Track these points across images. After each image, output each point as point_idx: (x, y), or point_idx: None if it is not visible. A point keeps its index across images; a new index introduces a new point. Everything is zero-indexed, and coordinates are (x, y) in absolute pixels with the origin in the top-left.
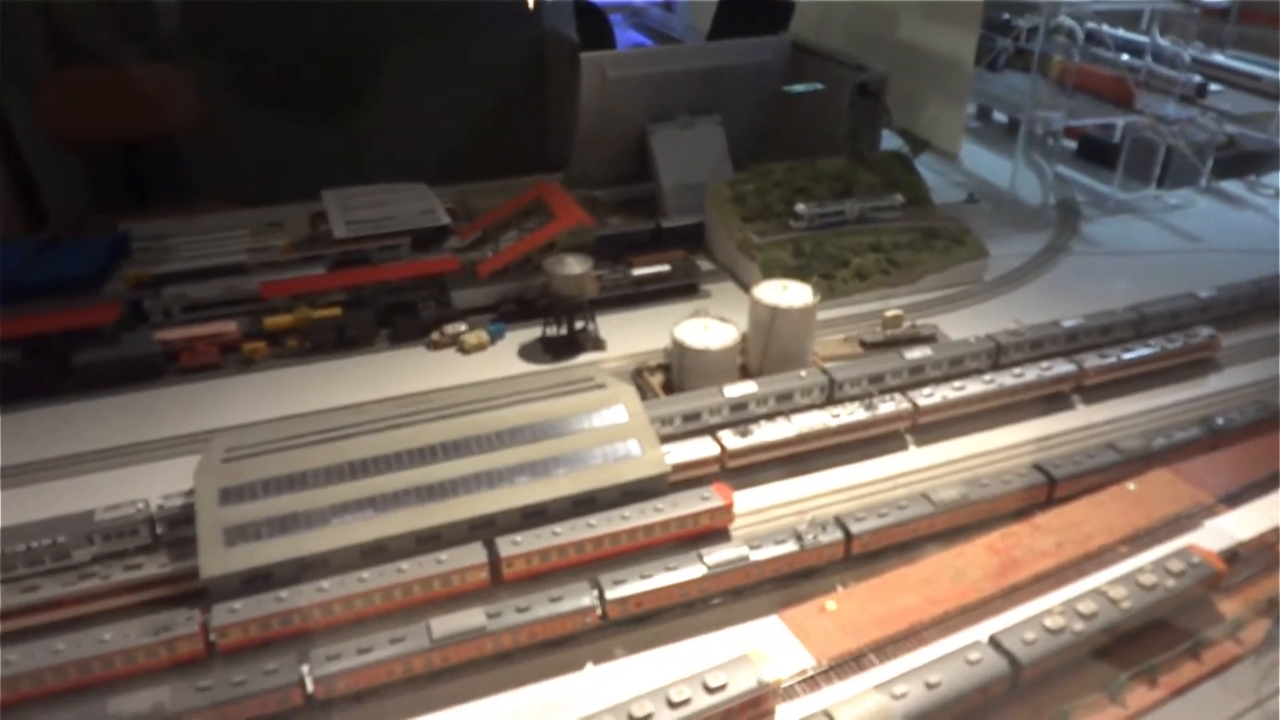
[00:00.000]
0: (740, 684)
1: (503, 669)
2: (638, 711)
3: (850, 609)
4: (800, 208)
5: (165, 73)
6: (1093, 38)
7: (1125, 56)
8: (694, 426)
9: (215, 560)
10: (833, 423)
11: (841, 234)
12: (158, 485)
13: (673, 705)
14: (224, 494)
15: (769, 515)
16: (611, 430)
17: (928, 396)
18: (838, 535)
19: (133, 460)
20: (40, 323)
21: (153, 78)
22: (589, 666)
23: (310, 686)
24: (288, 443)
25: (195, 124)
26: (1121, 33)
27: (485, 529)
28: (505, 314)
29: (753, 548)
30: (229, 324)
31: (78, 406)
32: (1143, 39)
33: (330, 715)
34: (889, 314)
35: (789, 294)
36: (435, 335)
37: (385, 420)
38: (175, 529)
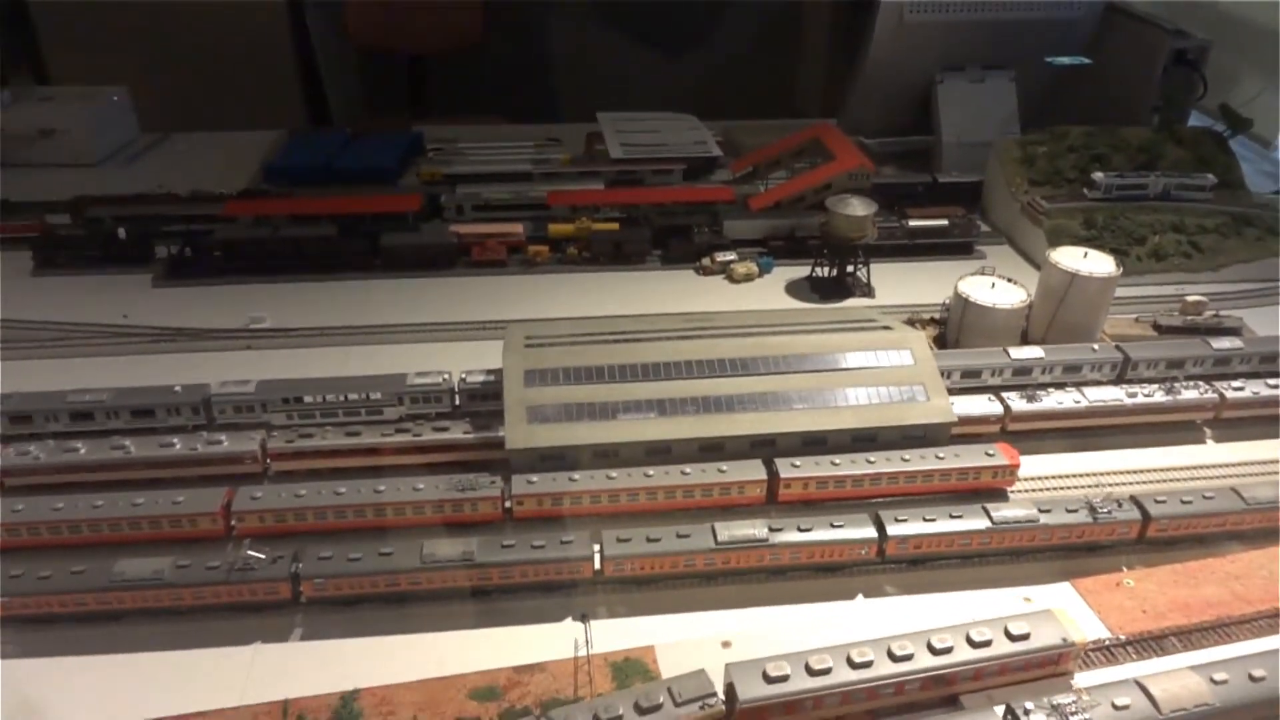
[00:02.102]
0: (1044, 638)
1: (774, 584)
2: (937, 643)
3: (1149, 589)
4: (1098, 176)
5: None
6: None
7: None
8: (972, 384)
9: (519, 434)
10: (1128, 401)
11: (1140, 209)
12: (448, 361)
13: (973, 644)
14: (528, 376)
15: (1049, 484)
16: (897, 372)
17: (1236, 390)
18: (1134, 514)
19: (427, 337)
20: (355, 204)
21: None
22: (859, 598)
23: (598, 564)
24: (582, 338)
25: (480, 41)
26: None
27: (765, 448)
28: (774, 249)
29: (1042, 511)
30: (516, 226)
31: (382, 283)
32: None
33: (612, 595)
34: (1191, 299)
35: (1089, 262)
36: (706, 261)
37: (674, 330)
38: (473, 402)
